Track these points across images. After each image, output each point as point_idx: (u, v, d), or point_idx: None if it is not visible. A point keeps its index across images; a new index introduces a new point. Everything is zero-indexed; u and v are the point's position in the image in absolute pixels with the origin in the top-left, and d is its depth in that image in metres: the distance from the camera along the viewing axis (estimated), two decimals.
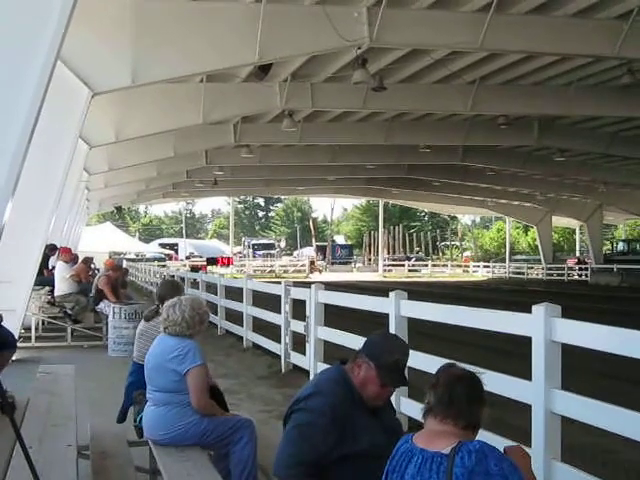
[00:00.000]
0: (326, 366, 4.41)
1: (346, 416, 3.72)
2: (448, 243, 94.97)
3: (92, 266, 19.44)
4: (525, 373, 5.52)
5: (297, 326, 11.25)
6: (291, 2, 14.89)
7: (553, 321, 5.22)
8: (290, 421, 3.78)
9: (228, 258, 65.04)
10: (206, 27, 14.03)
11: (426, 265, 69.28)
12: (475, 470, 2.85)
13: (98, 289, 15.11)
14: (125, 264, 37.77)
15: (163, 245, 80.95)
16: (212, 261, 61.79)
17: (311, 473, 3.62)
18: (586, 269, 52.46)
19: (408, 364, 7.18)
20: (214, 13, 14.11)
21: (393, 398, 7.05)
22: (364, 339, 4.03)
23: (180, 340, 5.25)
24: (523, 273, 57.47)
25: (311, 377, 9.64)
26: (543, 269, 55.58)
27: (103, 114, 17.73)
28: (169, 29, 13.82)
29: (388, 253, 75.42)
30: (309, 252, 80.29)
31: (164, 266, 47.77)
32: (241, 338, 15.09)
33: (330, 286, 11.42)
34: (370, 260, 78.11)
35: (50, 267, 17.45)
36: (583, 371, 9.30)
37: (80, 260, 18.41)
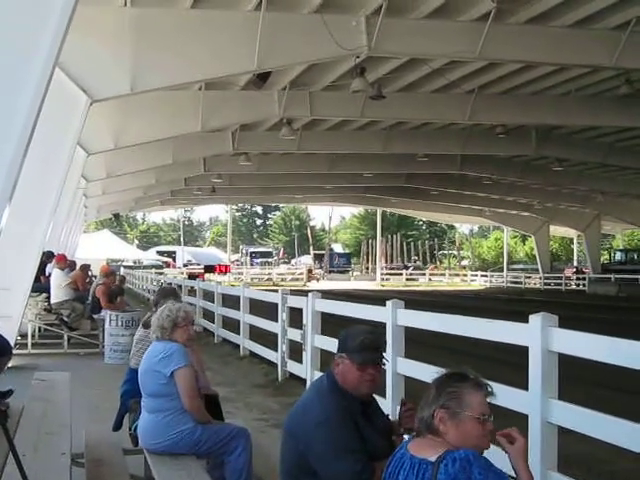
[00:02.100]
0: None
1: (351, 417, 3.77)
2: (446, 252, 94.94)
3: (89, 273, 19.41)
4: (521, 383, 5.50)
5: (294, 334, 11.24)
6: (290, 11, 14.90)
7: (550, 331, 5.21)
8: (319, 449, 3.69)
9: (226, 266, 64.96)
10: (205, 35, 14.04)
11: (424, 274, 69.23)
12: (458, 477, 2.84)
13: (96, 297, 15.10)
14: (123, 271, 37.78)
15: (161, 252, 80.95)
16: (210, 269, 61.69)
17: (366, 458, 3.64)
18: (584, 279, 52.45)
19: (405, 373, 7.24)
20: (213, 21, 14.13)
21: (390, 406, 7.05)
22: None
23: (165, 344, 5.33)
24: (521, 282, 57.41)
25: (308, 385, 9.62)
26: (541, 278, 55.54)
27: (102, 121, 17.73)
28: (168, 37, 13.83)
29: (386, 262, 75.41)
30: (307, 260, 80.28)
31: (162, 273, 47.73)
32: (238, 346, 15.07)
33: (327, 294, 11.40)
34: (368, 269, 78.05)
35: (47, 274, 17.42)
36: (580, 381, 9.29)
37: (78, 267, 18.42)
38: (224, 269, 62.81)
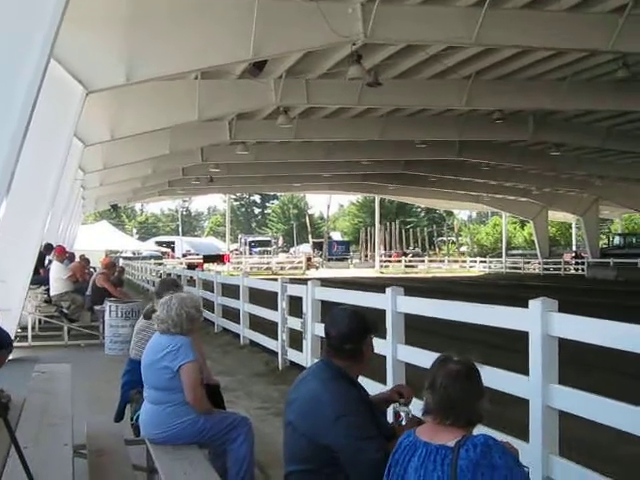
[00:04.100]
0: None
1: (364, 403, 3.81)
2: (444, 239, 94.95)
3: (89, 265, 19.41)
4: (522, 368, 5.51)
5: (294, 323, 11.25)
6: None
7: (550, 315, 5.20)
8: (343, 442, 3.67)
9: (224, 255, 64.97)
10: (200, 24, 14.01)
11: (423, 261, 69.25)
12: (480, 463, 2.86)
13: (98, 287, 15.08)
14: (122, 262, 37.80)
15: (159, 243, 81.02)
16: (211, 258, 61.67)
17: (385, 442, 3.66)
18: (582, 263, 52.55)
19: (405, 360, 7.28)
20: (208, 10, 14.07)
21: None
22: None
23: (172, 337, 5.26)
24: (520, 268, 57.52)
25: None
26: (540, 264, 55.64)
27: (98, 112, 17.69)
28: (163, 26, 13.79)
29: (385, 249, 75.40)
30: (306, 249, 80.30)
31: (161, 264, 47.74)
32: (238, 335, 15.09)
33: (327, 282, 11.41)
34: (367, 256, 78.09)
35: (46, 266, 17.42)
36: (580, 365, 9.31)
37: (77, 259, 18.43)
38: (223, 258, 62.81)
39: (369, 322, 4.02)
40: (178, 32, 13.88)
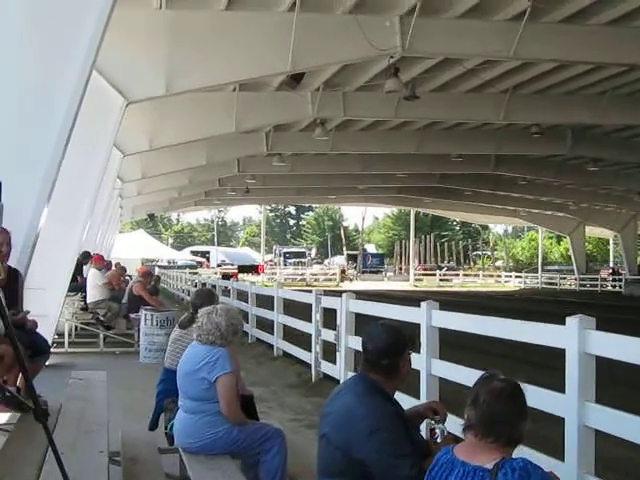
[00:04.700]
0: None
1: (399, 419, 3.77)
2: (480, 253, 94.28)
3: (125, 274, 19.57)
4: (557, 385, 5.45)
5: (328, 335, 11.24)
6: (324, 11, 14.92)
7: (588, 333, 5.14)
8: (375, 457, 3.65)
9: (259, 266, 65.19)
10: (239, 36, 14.13)
11: (457, 275, 68.78)
12: None
13: (134, 296, 15.20)
14: (157, 271, 38.09)
15: (195, 252, 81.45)
16: (245, 269, 61.83)
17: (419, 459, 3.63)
18: (620, 280, 51.82)
19: (439, 375, 7.23)
20: (247, 22, 14.21)
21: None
22: None
23: (211, 348, 5.25)
24: (556, 283, 56.85)
25: None
26: (576, 280, 54.97)
27: (137, 122, 17.90)
28: (203, 38, 13.94)
29: (419, 262, 75.04)
30: (340, 261, 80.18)
31: (196, 273, 48.02)
32: (272, 346, 15.10)
33: (361, 295, 11.38)
34: (401, 269, 77.81)
35: (84, 274, 17.62)
36: (618, 384, 9.18)
37: (113, 266, 18.61)
38: (258, 269, 63.03)
39: (407, 337, 3.98)
40: (217, 45, 14.02)
